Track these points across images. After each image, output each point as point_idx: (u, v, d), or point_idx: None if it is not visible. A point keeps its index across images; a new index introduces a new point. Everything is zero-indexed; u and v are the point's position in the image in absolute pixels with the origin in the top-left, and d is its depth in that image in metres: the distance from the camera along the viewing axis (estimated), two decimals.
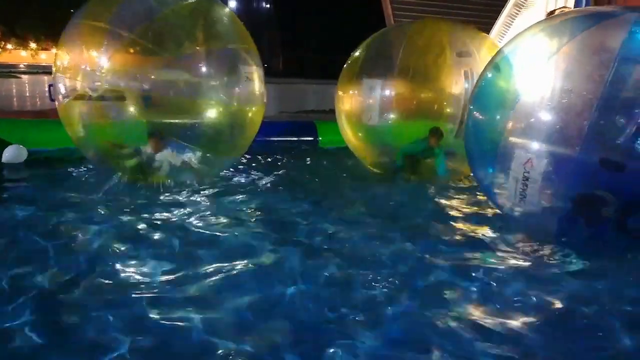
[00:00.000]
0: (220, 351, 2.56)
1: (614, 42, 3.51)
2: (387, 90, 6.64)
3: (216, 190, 5.70)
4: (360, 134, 7.05)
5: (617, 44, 3.45)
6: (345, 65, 7.20)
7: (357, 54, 7.09)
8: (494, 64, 4.37)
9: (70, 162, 6.53)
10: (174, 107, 5.42)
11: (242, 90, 5.68)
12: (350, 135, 7.20)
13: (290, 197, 5.59)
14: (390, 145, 6.82)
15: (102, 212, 4.68)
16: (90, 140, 5.62)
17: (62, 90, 5.44)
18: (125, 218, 4.55)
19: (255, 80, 5.81)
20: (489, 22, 11.55)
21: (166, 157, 5.54)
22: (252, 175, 6.56)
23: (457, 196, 5.95)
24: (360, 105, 6.89)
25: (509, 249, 4.10)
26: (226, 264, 3.61)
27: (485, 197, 5.43)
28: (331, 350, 2.58)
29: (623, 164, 3.41)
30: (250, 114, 5.90)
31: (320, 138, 9.71)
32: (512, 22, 11.47)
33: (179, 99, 5.38)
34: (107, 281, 3.31)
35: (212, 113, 5.47)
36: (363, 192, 6.07)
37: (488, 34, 9.37)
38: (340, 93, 7.21)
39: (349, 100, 7.10)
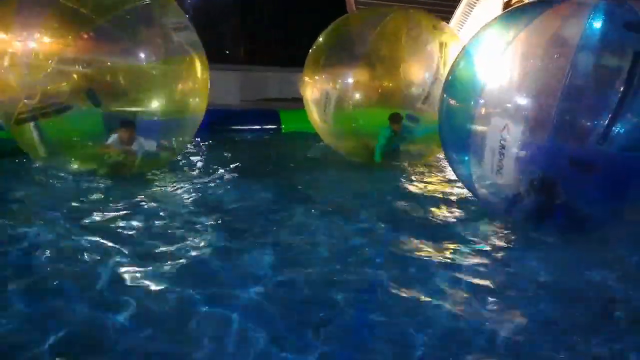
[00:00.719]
0: None
1: (572, 26, 3.64)
2: (351, 78, 6.65)
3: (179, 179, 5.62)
4: (326, 120, 7.01)
5: (577, 29, 3.58)
6: (310, 52, 7.16)
7: (321, 40, 7.07)
8: (462, 55, 4.48)
9: None
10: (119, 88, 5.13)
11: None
12: (317, 121, 7.20)
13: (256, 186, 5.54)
14: (357, 131, 6.86)
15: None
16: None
17: None
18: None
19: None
20: (448, 10, 11.69)
21: (142, 145, 5.32)
22: (215, 164, 6.50)
23: (422, 180, 6.10)
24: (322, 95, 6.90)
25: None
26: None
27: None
28: None
29: (592, 165, 3.55)
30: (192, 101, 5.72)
31: (283, 126, 9.69)
32: (471, 11, 11.67)
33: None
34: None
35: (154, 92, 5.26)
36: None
37: (447, 23, 9.54)
38: (306, 79, 7.17)
39: (314, 87, 7.06)
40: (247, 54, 13.42)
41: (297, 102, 11.45)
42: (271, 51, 13.15)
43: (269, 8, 13.59)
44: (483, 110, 3.98)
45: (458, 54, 4.69)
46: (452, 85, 4.54)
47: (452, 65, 4.69)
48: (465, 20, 11.89)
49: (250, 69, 12.19)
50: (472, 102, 4.07)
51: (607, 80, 3.54)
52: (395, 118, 6.52)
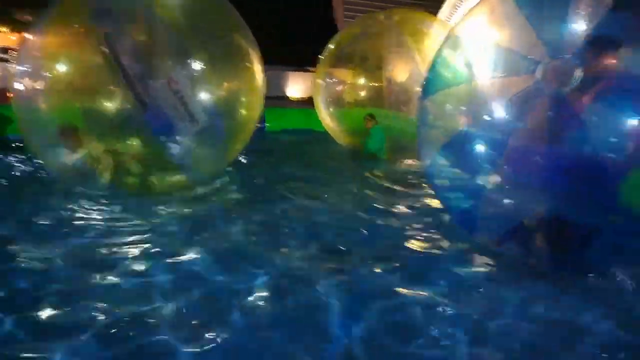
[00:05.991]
0: None
1: None
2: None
3: None
4: (335, 118, 7.93)
5: None
6: (321, 57, 8.01)
7: (331, 46, 7.94)
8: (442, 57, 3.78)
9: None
10: None
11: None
12: (327, 120, 8.01)
13: None
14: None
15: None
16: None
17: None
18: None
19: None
20: (435, 4, 11.48)
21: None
22: None
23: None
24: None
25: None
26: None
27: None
28: None
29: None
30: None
31: (267, 124, 9.59)
32: (461, 2, 11.47)
33: None
34: None
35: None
36: None
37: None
38: (318, 81, 8.01)
39: (325, 88, 7.91)
40: None
41: (282, 100, 11.35)
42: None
43: (258, 9, 13.48)
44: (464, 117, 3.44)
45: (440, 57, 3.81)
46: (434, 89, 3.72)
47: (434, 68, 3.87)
48: (455, 13, 11.62)
49: None
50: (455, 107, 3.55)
51: None
52: (369, 116, 7.24)
